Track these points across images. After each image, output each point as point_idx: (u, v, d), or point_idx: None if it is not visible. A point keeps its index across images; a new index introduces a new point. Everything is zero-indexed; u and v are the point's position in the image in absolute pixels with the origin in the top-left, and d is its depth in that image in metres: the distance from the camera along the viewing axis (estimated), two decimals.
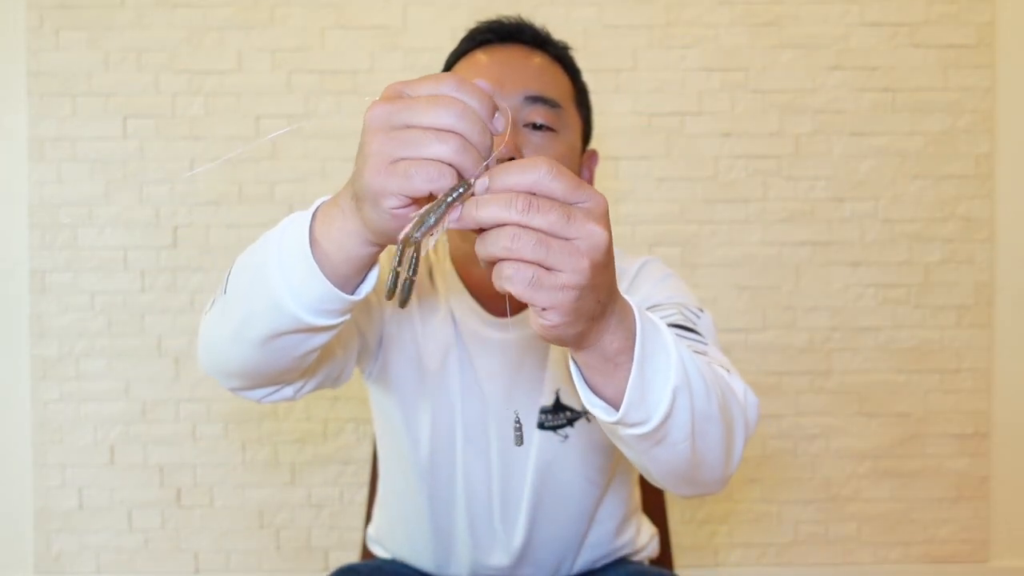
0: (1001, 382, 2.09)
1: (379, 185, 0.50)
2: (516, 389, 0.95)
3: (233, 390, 0.75)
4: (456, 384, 0.96)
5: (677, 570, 1.26)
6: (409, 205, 0.51)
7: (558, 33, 1.00)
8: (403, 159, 0.49)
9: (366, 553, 1.18)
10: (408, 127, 0.49)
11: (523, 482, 0.97)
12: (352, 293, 0.61)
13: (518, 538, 0.98)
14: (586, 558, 1.04)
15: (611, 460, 0.99)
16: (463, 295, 0.97)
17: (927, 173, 2.07)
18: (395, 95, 0.51)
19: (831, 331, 2.08)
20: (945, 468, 2.09)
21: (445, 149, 0.48)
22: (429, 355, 0.96)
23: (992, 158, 2.07)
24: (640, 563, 1.09)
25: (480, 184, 0.49)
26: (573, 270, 0.48)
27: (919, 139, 2.06)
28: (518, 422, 0.58)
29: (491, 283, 0.96)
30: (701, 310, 0.89)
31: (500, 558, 1.00)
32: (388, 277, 0.51)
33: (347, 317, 0.63)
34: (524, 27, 0.96)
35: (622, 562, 1.06)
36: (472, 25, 0.97)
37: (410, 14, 2.03)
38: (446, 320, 0.97)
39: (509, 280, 0.48)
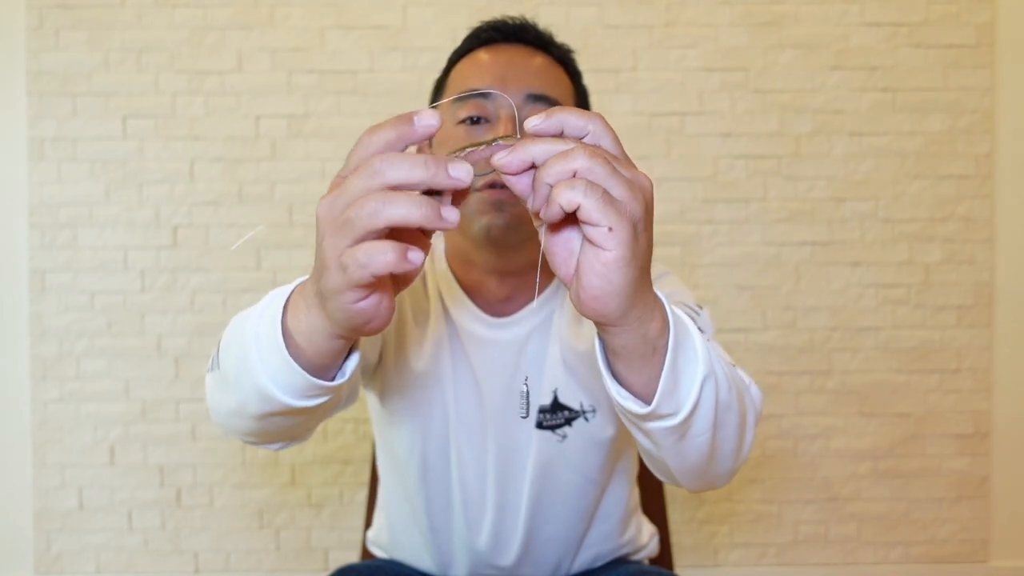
0: (1001, 382, 2.09)
1: (333, 284, 0.49)
2: (514, 389, 0.96)
3: (249, 444, 0.75)
4: (450, 387, 0.96)
5: (677, 570, 1.27)
6: (369, 295, 0.50)
7: (558, 34, 1.01)
8: (346, 250, 0.48)
9: (366, 554, 1.18)
10: (345, 214, 0.48)
11: (522, 483, 0.97)
12: (333, 379, 0.60)
13: (517, 538, 0.98)
14: (586, 557, 1.04)
15: (610, 459, 0.99)
16: (460, 296, 0.97)
17: (927, 173, 2.07)
18: (337, 183, 0.50)
19: (831, 331, 2.08)
20: (945, 468, 2.09)
21: (380, 217, 0.46)
22: (422, 360, 0.96)
23: (992, 158, 2.07)
24: (640, 563, 1.09)
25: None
26: (632, 199, 0.49)
27: (919, 139, 2.06)
28: (526, 386, 0.61)
29: (487, 283, 0.95)
30: (700, 307, 0.89)
31: (500, 558, 1.00)
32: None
33: (337, 392, 0.62)
34: (528, 27, 0.96)
35: (622, 561, 1.06)
36: (472, 25, 0.98)
37: (410, 14, 2.03)
38: (440, 323, 0.97)
39: (583, 193, 0.48)
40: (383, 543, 1.10)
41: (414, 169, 0.47)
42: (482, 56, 0.94)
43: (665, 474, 0.71)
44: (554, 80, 0.94)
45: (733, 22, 2.05)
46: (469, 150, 0.52)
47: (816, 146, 2.06)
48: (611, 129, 0.52)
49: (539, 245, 0.93)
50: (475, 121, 0.90)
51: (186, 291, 2.06)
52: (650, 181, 0.52)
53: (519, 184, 0.52)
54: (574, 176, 0.49)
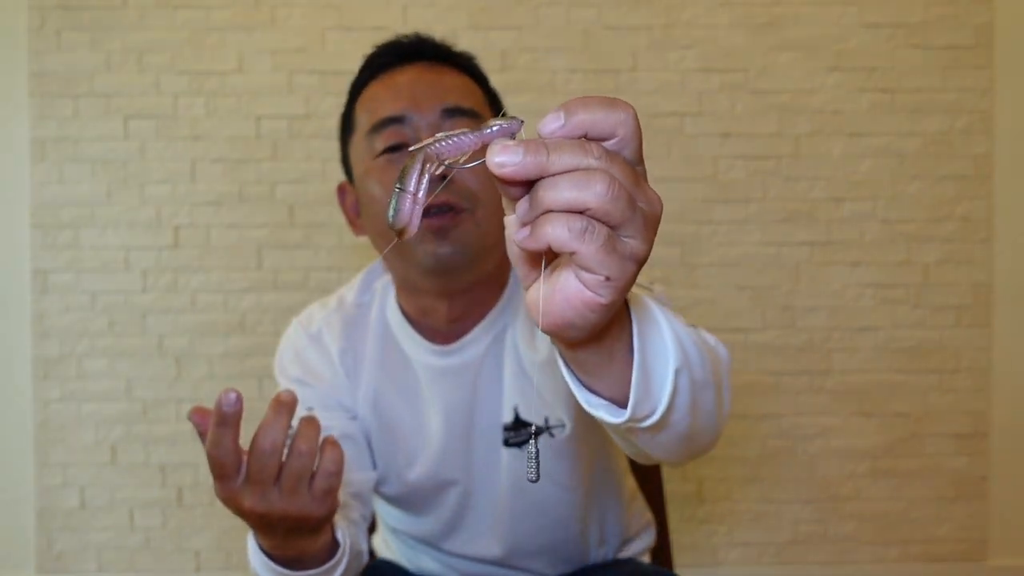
0: (999, 382, 2.09)
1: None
2: (477, 412, 0.94)
3: None
4: (416, 423, 0.95)
5: (676, 569, 1.27)
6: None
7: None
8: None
9: None
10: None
11: (499, 500, 0.96)
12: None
13: (505, 549, 0.98)
14: (582, 557, 1.04)
15: (586, 465, 0.98)
16: (408, 330, 0.95)
17: (926, 174, 2.07)
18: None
19: (830, 331, 2.08)
20: (943, 467, 2.10)
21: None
22: (387, 403, 0.95)
23: (990, 159, 2.07)
24: (640, 560, 1.09)
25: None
26: (644, 238, 0.41)
27: (918, 140, 2.07)
28: (535, 447, 0.50)
29: (436, 308, 0.93)
30: (652, 283, 0.85)
31: (491, 570, 1.00)
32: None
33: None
34: (425, 43, 0.94)
35: (622, 562, 1.06)
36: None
37: (410, 15, 2.04)
38: (397, 361, 0.95)
39: (579, 238, 0.39)
40: (379, 545, 1.11)
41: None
42: (387, 81, 0.91)
43: (645, 459, 0.70)
44: (465, 89, 0.91)
45: (732, 23, 2.05)
46: (453, 137, 0.42)
47: (815, 146, 2.07)
48: (639, 128, 0.41)
49: (489, 262, 0.90)
50: (395, 149, 0.88)
51: (187, 291, 2.06)
52: (661, 203, 0.43)
53: (511, 190, 0.42)
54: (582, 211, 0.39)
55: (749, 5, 2.05)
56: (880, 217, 2.07)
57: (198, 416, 0.64)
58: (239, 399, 0.62)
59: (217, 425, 0.62)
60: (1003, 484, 2.10)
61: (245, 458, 0.65)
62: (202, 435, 0.64)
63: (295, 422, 0.67)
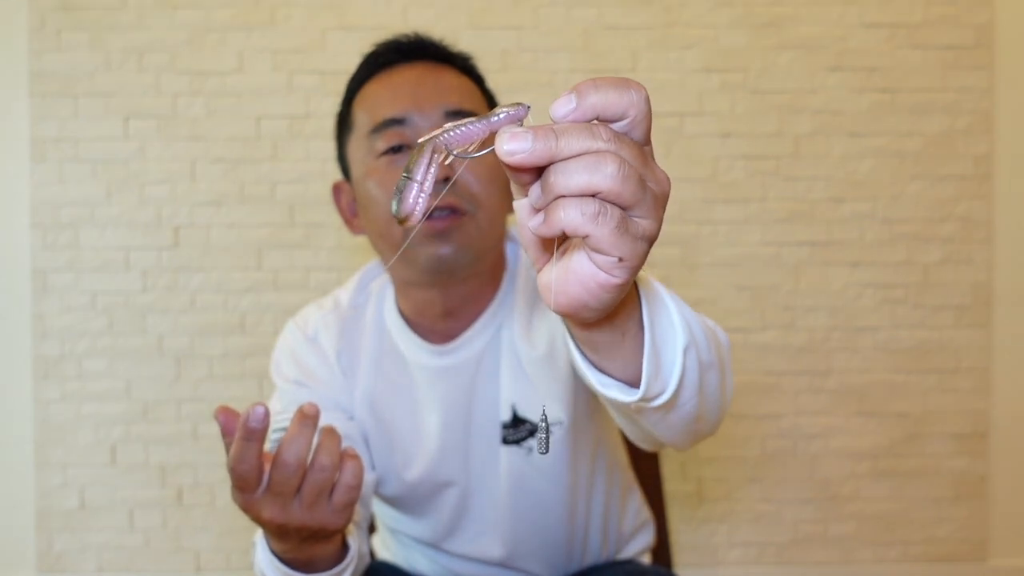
0: (999, 382, 2.09)
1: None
2: (475, 410, 0.94)
3: None
4: (413, 423, 0.95)
5: (677, 569, 1.27)
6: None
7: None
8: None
9: None
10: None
11: (498, 499, 0.96)
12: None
13: (506, 549, 0.98)
14: (582, 555, 1.04)
15: (583, 462, 0.98)
16: (405, 331, 0.95)
17: (926, 174, 2.07)
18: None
19: (830, 331, 2.08)
20: (944, 467, 2.10)
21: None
22: (383, 404, 0.95)
23: (991, 159, 2.07)
24: (640, 560, 1.10)
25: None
26: (654, 217, 0.42)
27: (918, 140, 2.07)
28: (544, 422, 0.51)
29: (432, 303, 0.92)
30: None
31: (492, 571, 1.00)
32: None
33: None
34: (425, 43, 0.94)
35: (622, 562, 1.06)
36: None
37: (410, 15, 2.04)
38: (394, 361, 0.96)
39: (593, 221, 0.39)
40: (377, 545, 1.12)
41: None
42: (387, 80, 0.91)
43: (651, 444, 0.70)
44: (466, 92, 0.92)
45: (732, 23, 2.05)
46: (461, 127, 0.42)
47: (815, 146, 2.07)
48: (649, 108, 0.42)
49: (487, 261, 0.91)
50: (397, 150, 0.88)
51: (187, 291, 2.06)
52: (669, 181, 0.44)
53: (522, 176, 0.42)
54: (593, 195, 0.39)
55: (749, 5, 2.05)
56: (880, 217, 2.07)
57: (224, 416, 0.64)
58: (267, 414, 0.61)
59: (243, 439, 0.62)
60: (1003, 484, 2.10)
61: (267, 468, 0.65)
62: (225, 435, 0.64)
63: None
